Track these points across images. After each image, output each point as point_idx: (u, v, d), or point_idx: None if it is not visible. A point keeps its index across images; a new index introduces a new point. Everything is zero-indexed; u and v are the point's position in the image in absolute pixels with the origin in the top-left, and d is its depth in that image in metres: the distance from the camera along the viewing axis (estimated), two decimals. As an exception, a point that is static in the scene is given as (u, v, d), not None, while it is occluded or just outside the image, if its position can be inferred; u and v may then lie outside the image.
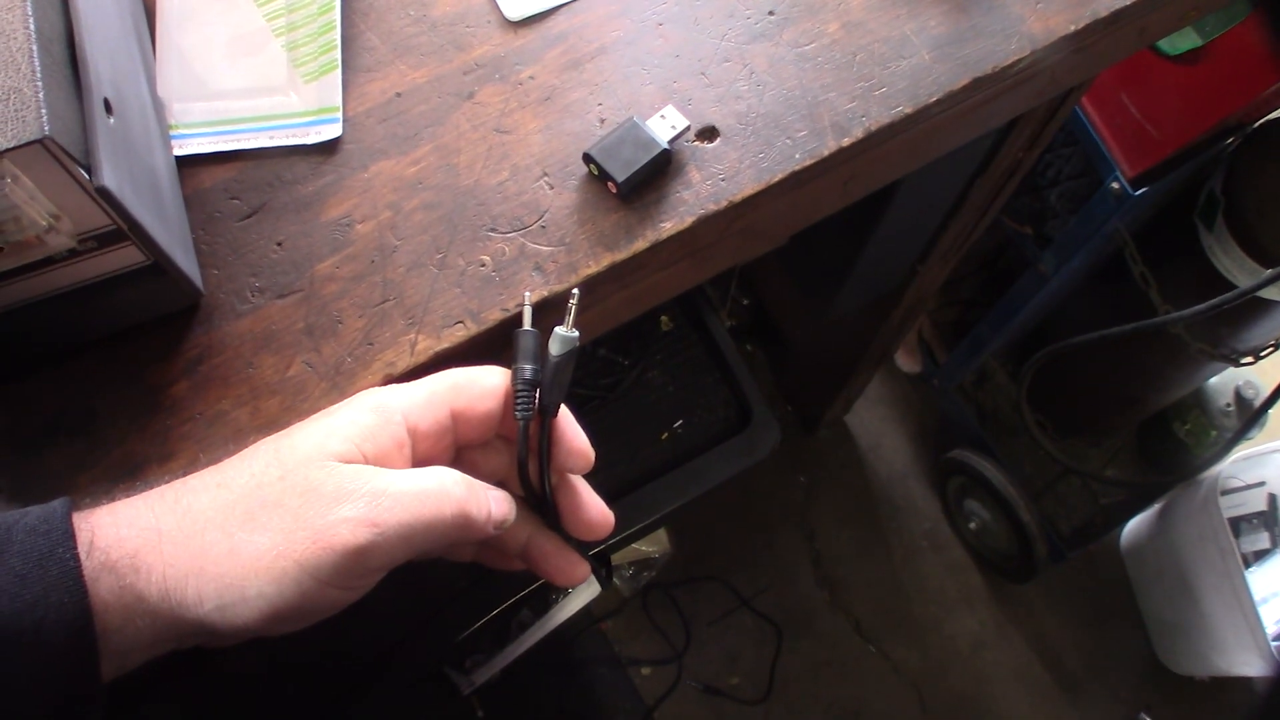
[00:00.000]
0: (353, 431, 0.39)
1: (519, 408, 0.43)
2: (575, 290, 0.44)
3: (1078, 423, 1.50)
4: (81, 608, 0.34)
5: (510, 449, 0.45)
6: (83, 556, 0.34)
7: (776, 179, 0.52)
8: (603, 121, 0.53)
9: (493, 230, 0.51)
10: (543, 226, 0.51)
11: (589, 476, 0.46)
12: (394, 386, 0.42)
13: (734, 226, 0.55)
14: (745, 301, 1.68)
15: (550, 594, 1.54)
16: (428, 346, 0.49)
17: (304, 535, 0.36)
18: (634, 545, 1.59)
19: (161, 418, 0.47)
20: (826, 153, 0.53)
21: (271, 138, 0.52)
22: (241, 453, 0.40)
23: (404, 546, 0.38)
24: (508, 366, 0.44)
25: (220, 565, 0.36)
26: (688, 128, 0.52)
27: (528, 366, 0.43)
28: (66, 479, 0.46)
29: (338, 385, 0.48)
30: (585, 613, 1.59)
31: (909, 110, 0.54)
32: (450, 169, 0.52)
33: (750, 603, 1.62)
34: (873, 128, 0.53)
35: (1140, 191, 1.06)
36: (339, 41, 0.54)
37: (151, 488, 0.46)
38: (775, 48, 0.55)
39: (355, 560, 0.37)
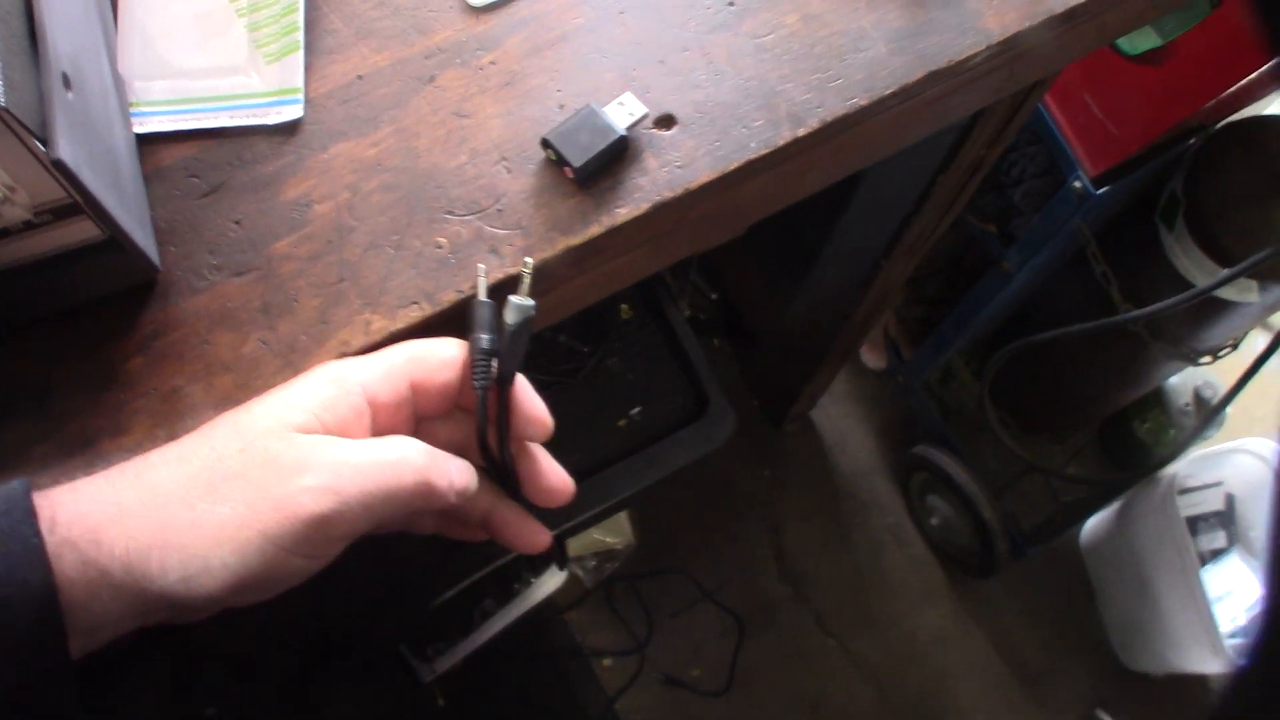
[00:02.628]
0: (312, 403, 0.40)
1: (476, 377, 0.43)
2: (528, 259, 0.45)
3: (1040, 420, 1.52)
4: (46, 584, 0.34)
5: (469, 419, 0.45)
6: (45, 533, 0.34)
7: (732, 167, 0.53)
8: (562, 107, 0.54)
9: (450, 213, 0.51)
10: (499, 210, 0.51)
11: (549, 445, 0.47)
12: (351, 359, 0.43)
13: (690, 214, 0.56)
14: (713, 295, 1.69)
15: (514, 583, 1.55)
16: (383, 326, 0.49)
17: (266, 505, 0.37)
18: (597, 536, 1.60)
19: (117, 392, 0.48)
20: (782, 142, 0.53)
21: (232, 117, 0.52)
22: (201, 428, 0.40)
23: (366, 515, 0.39)
24: (465, 339, 0.44)
25: (183, 537, 0.36)
26: (645, 115, 0.53)
27: (484, 336, 0.44)
28: (20, 452, 0.46)
29: (292, 363, 0.48)
30: (549, 603, 1.59)
31: (864, 102, 0.55)
32: (409, 151, 0.52)
33: (713, 595, 1.63)
34: (828, 118, 0.54)
35: (1102, 191, 1.08)
36: (301, 23, 0.54)
37: (106, 461, 0.47)
38: (734, 38, 0.56)
39: (318, 528, 0.37)
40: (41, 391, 0.48)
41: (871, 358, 1.72)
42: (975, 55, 0.57)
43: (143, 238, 0.47)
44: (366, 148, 0.52)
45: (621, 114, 0.52)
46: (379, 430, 0.42)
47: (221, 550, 0.36)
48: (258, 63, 0.53)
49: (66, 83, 0.42)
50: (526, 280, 0.45)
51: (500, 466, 0.46)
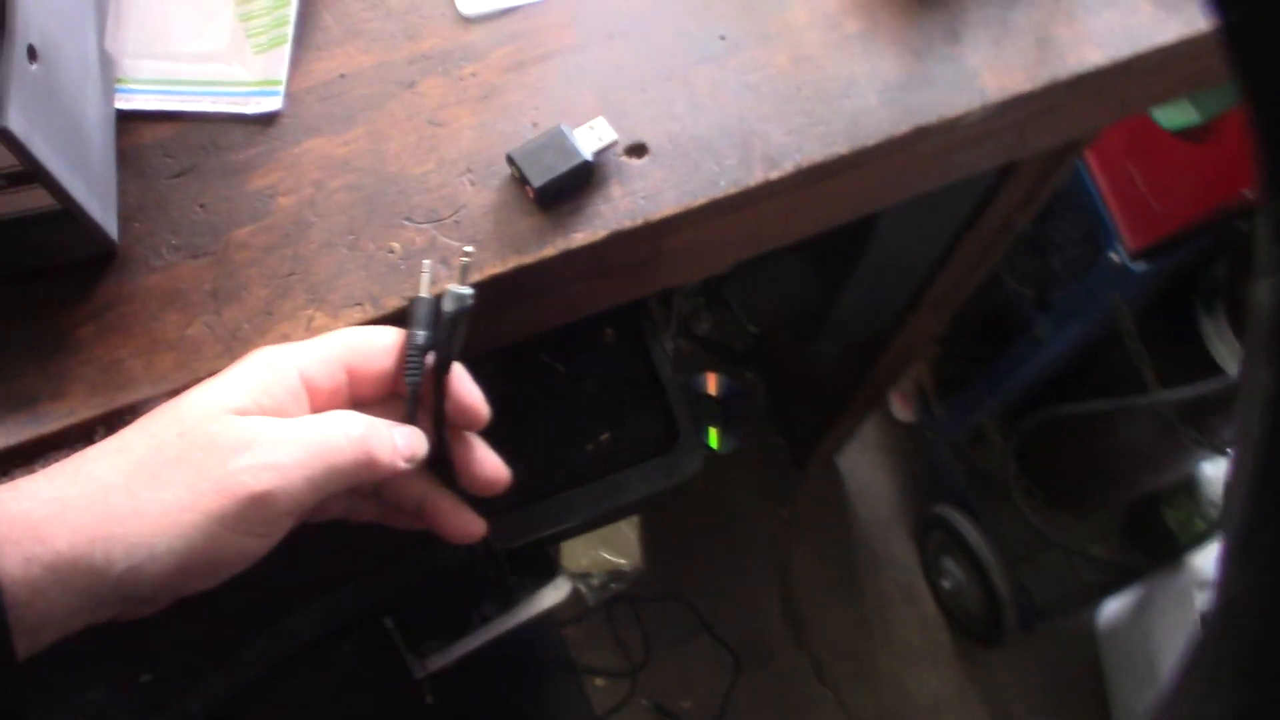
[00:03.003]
0: (248, 386, 0.40)
1: (409, 373, 0.44)
2: (469, 248, 0.45)
3: (1066, 495, 1.48)
4: None
5: (403, 406, 0.45)
6: None
7: (697, 204, 0.52)
8: (535, 126, 0.53)
9: (408, 219, 0.51)
10: (457, 221, 0.51)
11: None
12: (288, 344, 0.43)
13: (662, 245, 0.56)
14: (753, 329, 1.67)
15: (515, 591, 1.55)
16: (324, 324, 0.49)
17: (208, 486, 0.37)
18: (606, 555, 1.59)
19: (61, 358, 0.49)
20: (752, 184, 0.53)
21: (214, 103, 0.53)
22: (139, 419, 0.40)
23: (309, 488, 0.39)
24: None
25: (126, 525, 0.36)
26: (615, 142, 0.52)
27: (420, 333, 0.44)
28: (-39, 407, 0.48)
29: (231, 349, 0.49)
30: (548, 615, 1.59)
31: (844, 151, 0.54)
32: (378, 154, 0.53)
33: (713, 629, 1.61)
34: (804, 164, 0.53)
35: (1140, 267, 1.05)
36: (293, 17, 0.55)
37: (41, 422, 0.48)
38: (720, 72, 0.55)
39: (261, 506, 0.38)
40: (-10, 349, 0.49)
41: (902, 409, 1.69)
42: (969, 114, 0.55)
43: (101, 211, 0.48)
44: (338, 146, 0.53)
45: (590, 138, 0.51)
46: (316, 412, 0.42)
47: (167, 536, 0.36)
48: (245, 52, 0.54)
49: (32, 55, 0.43)
50: (465, 269, 0.46)
51: (435, 454, 0.46)
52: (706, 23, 0.57)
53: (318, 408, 0.42)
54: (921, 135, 0.55)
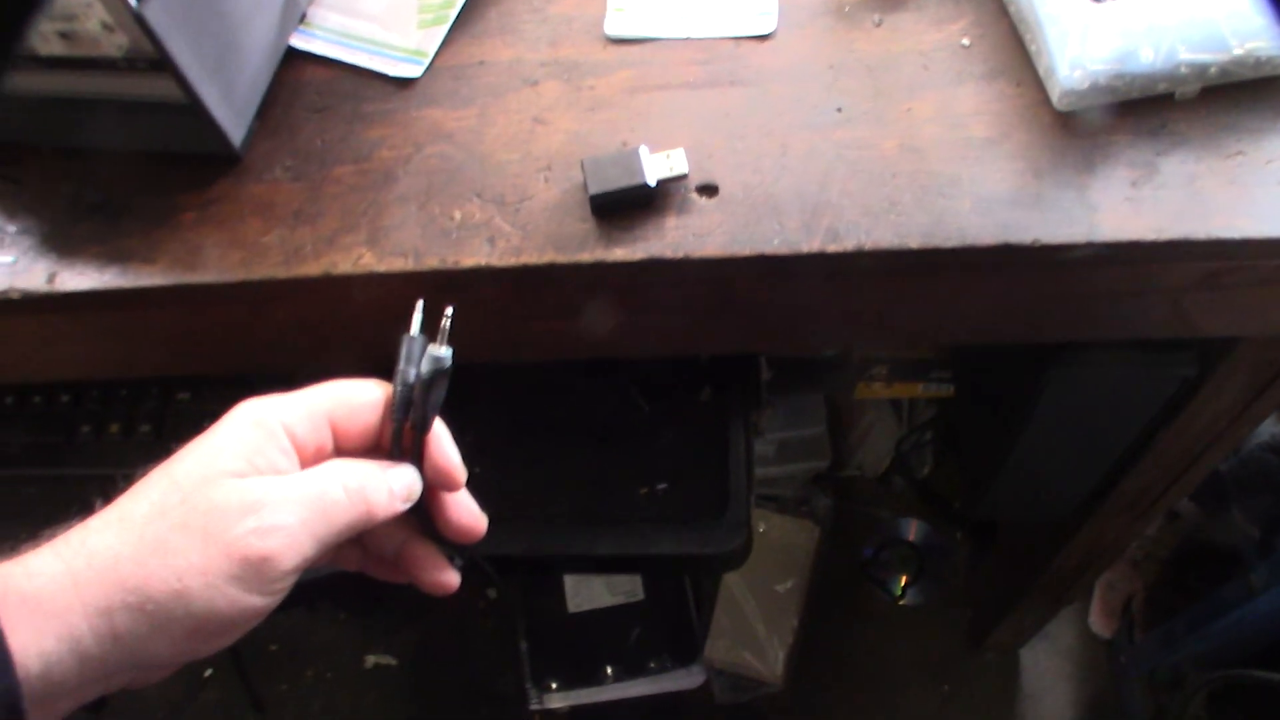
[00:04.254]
0: (241, 448, 0.40)
1: (397, 410, 0.43)
2: (450, 309, 0.44)
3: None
4: (2, 661, 0.34)
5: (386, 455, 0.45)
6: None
7: (742, 254, 0.51)
8: (624, 144, 0.55)
9: (477, 195, 0.54)
10: (517, 209, 0.54)
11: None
12: (271, 399, 0.42)
13: (737, 299, 0.55)
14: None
15: (650, 661, 1.53)
16: (368, 264, 0.53)
17: (216, 551, 0.38)
18: (749, 658, 1.54)
19: (163, 232, 0.56)
20: (805, 250, 0.51)
21: (370, 59, 0.59)
22: (134, 487, 0.41)
23: (313, 545, 0.40)
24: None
25: (139, 595, 0.37)
26: (684, 176, 0.52)
27: (411, 370, 0.43)
28: (78, 249, 0.56)
29: (288, 265, 0.54)
30: (672, 698, 1.56)
31: (914, 245, 0.51)
32: (478, 134, 0.56)
33: (825, 776, 1.51)
34: (867, 246, 0.51)
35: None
36: (460, 4, 0.60)
37: (127, 278, 0.55)
38: (822, 141, 0.54)
39: (269, 566, 0.38)
40: (122, 209, 0.57)
41: (1100, 623, 1.51)
42: (1071, 247, 0.50)
43: (230, 119, 0.55)
44: (449, 119, 0.57)
45: (662, 165, 0.52)
46: (304, 465, 0.42)
47: (181, 602, 0.37)
48: (410, 23, 0.60)
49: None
50: (445, 330, 0.44)
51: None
52: (831, 95, 0.56)
53: (305, 463, 0.42)
54: (1007, 253, 0.51)
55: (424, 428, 0.43)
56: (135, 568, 0.37)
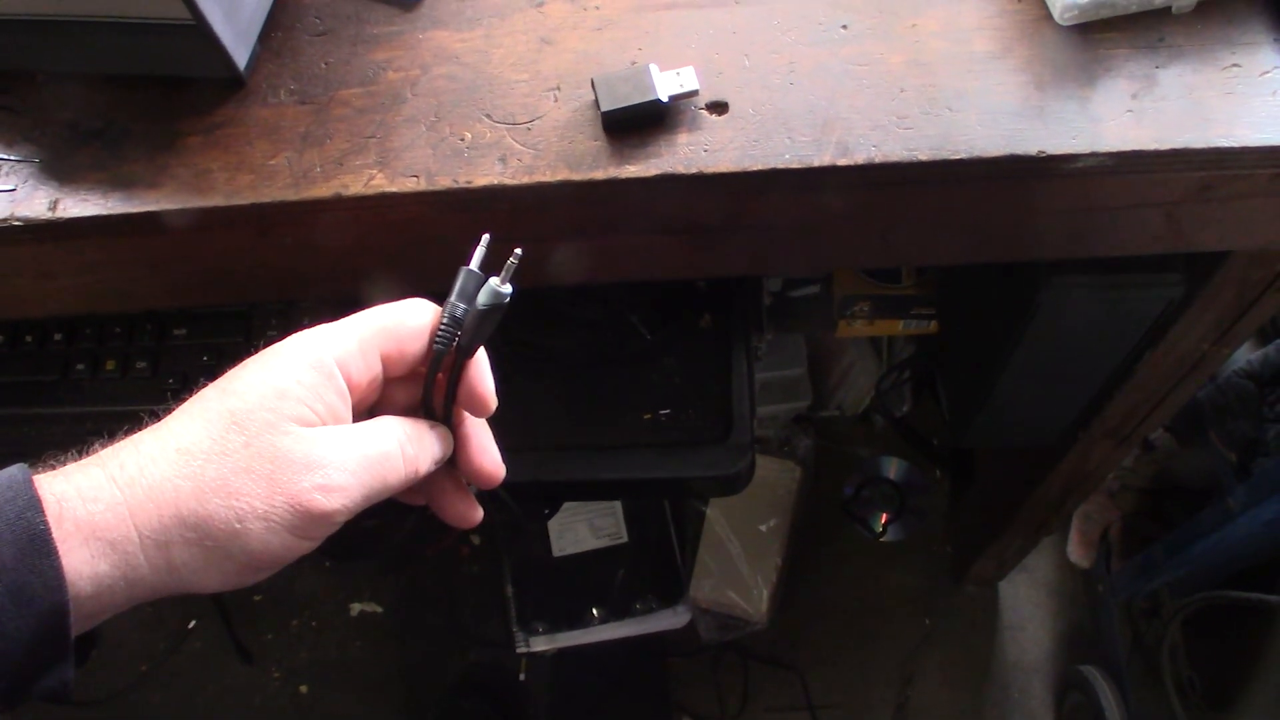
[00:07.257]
0: (302, 393, 0.41)
1: (439, 340, 0.44)
2: (518, 250, 0.43)
3: (1230, 696, 1.30)
4: (55, 580, 0.36)
5: (421, 382, 0.46)
6: (52, 526, 0.36)
7: (754, 168, 0.52)
8: (633, 63, 0.55)
9: (487, 115, 0.54)
10: (528, 128, 0.54)
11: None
12: (324, 333, 0.43)
13: (743, 217, 0.55)
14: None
15: (636, 602, 1.55)
16: (380, 185, 0.53)
17: (281, 501, 0.39)
18: (733, 596, 1.56)
19: (168, 156, 0.55)
20: (817, 163, 0.52)
21: (371, -18, 0.59)
22: (187, 410, 0.41)
23: (365, 501, 0.42)
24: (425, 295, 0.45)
25: (199, 532, 0.38)
26: (695, 93, 0.53)
27: (461, 305, 0.43)
28: (79, 176, 0.55)
29: (298, 187, 0.54)
30: (658, 639, 1.58)
31: (923, 157, 0.51)
32: (485, 55, 0.56)
33: (815, 710, 1.54)
34: (877, 159, 0.51)
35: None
36: (463, -75, 0.60)
37: (132, 204, 0.54)
38: (829, 57, 0.55)
39: (326, 520, 0.40)
40: (122, 135, 0.56)
41: (1078, 554, 1.54)
42: (1075, 158, 0.51)
43: (233, 40, 0.55)
44: (455, 41, 0.57)
45: (672, 82, 0.52)
46: (357, 401, 0.44)
47: (239, 542, 0.39)
48: (412, -54, 0.59)
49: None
50: (511, 269, 0.43)
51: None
52: (836, 11, 0.56)
53: (359, 399, 0.44)
54: (1014, 164, 0.52)
55: (469, 353, 0.44)
56: (196, 505, 0.38)
